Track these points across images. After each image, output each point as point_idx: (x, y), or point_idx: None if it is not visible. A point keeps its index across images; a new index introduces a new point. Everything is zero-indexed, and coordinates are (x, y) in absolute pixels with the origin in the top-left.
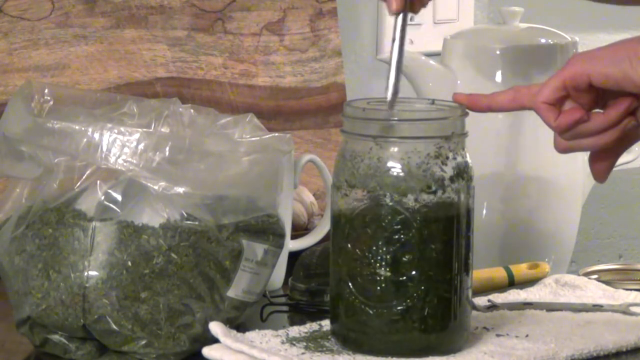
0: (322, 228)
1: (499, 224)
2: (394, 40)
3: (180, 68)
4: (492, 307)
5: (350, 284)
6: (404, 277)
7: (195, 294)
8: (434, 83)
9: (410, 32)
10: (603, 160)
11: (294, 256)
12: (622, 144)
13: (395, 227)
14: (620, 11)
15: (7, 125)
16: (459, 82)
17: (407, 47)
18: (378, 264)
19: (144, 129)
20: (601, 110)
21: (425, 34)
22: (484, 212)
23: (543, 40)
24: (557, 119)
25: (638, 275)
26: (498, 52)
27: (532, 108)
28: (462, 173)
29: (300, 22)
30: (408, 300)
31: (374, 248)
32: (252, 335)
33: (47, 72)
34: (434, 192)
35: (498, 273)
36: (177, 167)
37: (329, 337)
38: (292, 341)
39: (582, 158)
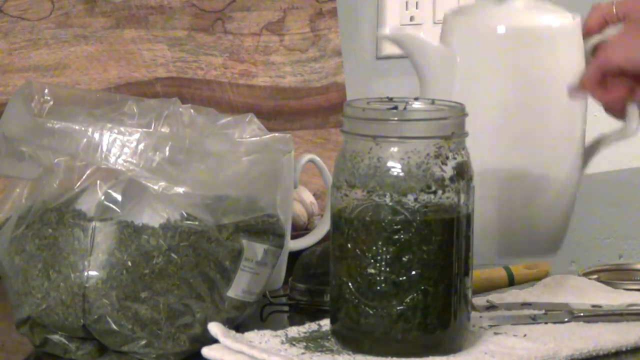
0: (322, 228)
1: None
2: None
3: (180, 68)
4: (491, 307)
5: (350, 284)
6: (404, 277)
7: (195, 294)
8: (434, 61)
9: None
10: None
11: (294, 256)
12: None
13: (395, 227)
14: None
15: (7, 125)
16: (458, 59)
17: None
18: (378, 264)
19: (144, 129)
20: None
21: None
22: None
23: (545, 20)
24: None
25: (638, 275)
26: (499, 31)
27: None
28: (462, 173)
29: (300, 22)
30: (408, 300)
31: (374, 248)
32: (251, 335)
33: (47, 72)
34: (434, 192)
35: (498, 273)
36: (177, 167)
37: (329, 337)
38: (291, 341)
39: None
